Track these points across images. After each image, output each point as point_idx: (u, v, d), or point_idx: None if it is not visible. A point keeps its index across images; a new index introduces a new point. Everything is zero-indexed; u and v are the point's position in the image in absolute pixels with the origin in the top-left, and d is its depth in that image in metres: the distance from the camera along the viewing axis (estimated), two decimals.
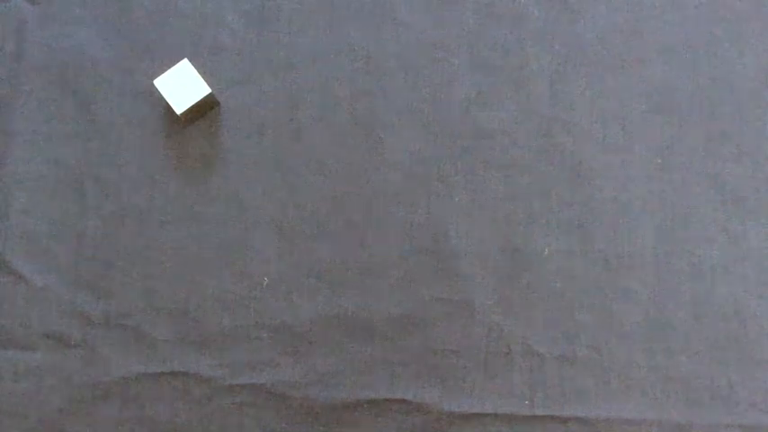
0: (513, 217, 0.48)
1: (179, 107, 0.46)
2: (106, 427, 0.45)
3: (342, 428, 0.45)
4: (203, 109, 0.47)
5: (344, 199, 0.47)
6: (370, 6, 0.49)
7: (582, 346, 0.47)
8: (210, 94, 0.46)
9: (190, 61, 0.46)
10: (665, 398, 0.46)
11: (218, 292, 0.46)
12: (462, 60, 0.49)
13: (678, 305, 0.47)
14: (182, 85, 0.46)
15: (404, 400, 0.45)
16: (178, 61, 0.46)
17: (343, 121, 0.48)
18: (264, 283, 0.46)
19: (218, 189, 0.47)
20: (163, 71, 0.46)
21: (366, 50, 0.49)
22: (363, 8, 0.49)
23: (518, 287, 0.47)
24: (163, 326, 0.46)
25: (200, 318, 0.46)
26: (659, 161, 0.48)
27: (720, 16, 0.49)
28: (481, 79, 0.49)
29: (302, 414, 0.45)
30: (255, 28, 0.49)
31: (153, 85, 0.46)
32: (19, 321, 0.46)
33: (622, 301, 0.47)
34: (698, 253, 0.47)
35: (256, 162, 0.45)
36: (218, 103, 0.48)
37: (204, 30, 0.49)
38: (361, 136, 0.48)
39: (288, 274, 0.46)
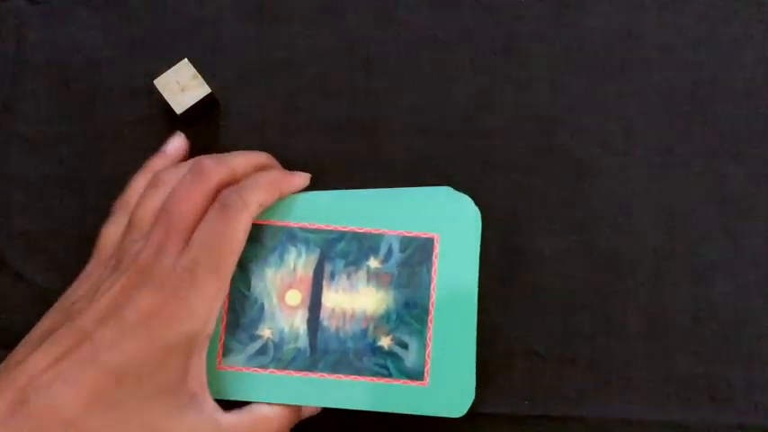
0: (513, 217, 0.48)
1: (179, 107, 0.46)
2: None
3: (341, 428, 0.45)
4: (203, 109, 0.47)
5: None
6: (370, 6, 0.49)
7: (582, 346, 0.47)
8: (210, 94, 0.46)
9: (190, 61, 0.46)
10: (665, 398, 0.46)
11: None
12: (462, 60, 0.49)
13: (678, 305, 0.47)
14: (182, 85, 0.46)
15: None
16: (178, 61, 0.46)
17: (343, 121, 0.48)
18: None
19: None
20: (163, 71, 0.46)
21: (366, 50, 0.49)
22: (363, 8, 0.49)
23: (518, 287, 0.47)
24: None
25: None
26: (659, 161, 0.48)
27: (720, 16, 0.49)
28: (481, 79, 0.49)
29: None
30: (255, 28, 0.49)
31: (153, 85, 0.46)
32: (19, 321, 0.46)
33: (622, 301, 0.47)
34: (698, 253, 0.47)
35: None
36: (218, 103, 0.48)
37: (204, 30, 0.49)
38: (361, 136, 0.48)
39: None
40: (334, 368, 0.42)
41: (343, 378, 0.42)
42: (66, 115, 0.48)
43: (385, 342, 0.42)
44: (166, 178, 0.42)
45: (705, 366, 0.46)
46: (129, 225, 0.42)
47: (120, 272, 0.39)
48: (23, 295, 0.47)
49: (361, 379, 0.42)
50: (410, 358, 0.42)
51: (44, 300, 0.47)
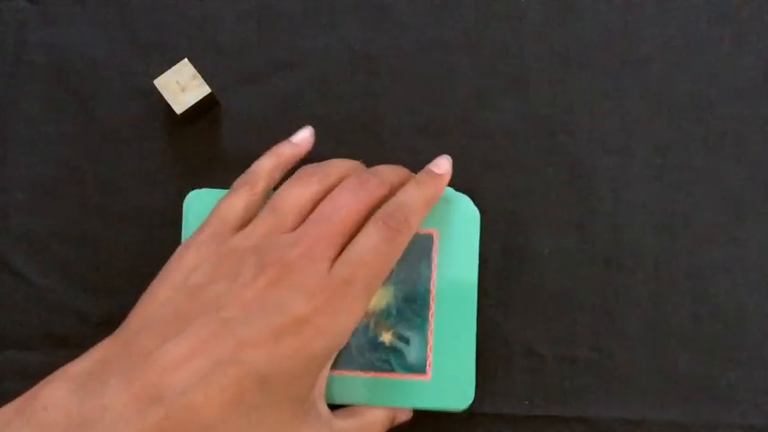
0: (513, 217, 0.48)
1: (179, 107, 0.46)
2: None
3: None
4: (203, 109, 0.47)
5: None
6: (370, 6, 0.49)
7: (582, 346, 0.47)
8: (210, 94, 0.46)
9: (190, 61, 0.46)
10: (665, 398, 0.46)
11: None
12: (462, 60, 0.49)
13: (678, 305, 0.47)
14: (182, 85, 0.46)
15: None
16: (178, 61, 0.46)
17: (343, 121, 0.48)
18: None
19: None
20: (163, 71, 0.46)
21: (366, 50, 0.49)
22: (363, 8, 0.49)
23: (518, 287, 0.47)
24: None
25: None
26: (659, 161, 0.48)
27: (720, 16, 0.49)
28: (481, 79, 0.49)
29: None
30: (255, 28, 0.49)
31: (153, 85, 0.46)
32: (19, 321, 0.46)
33: (622, 301, 0.47)
34: (698, 253, 0.47)
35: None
36: (218, 103, 0.48)
37: (204, 30, 0.49)
38: (361, 136, 0.48)
39: None
40: (337, 364, 0.42)
41: (345, 374, 0.42)
42: (66, 115, 0.48)
43: (386, 337, 0.42)
44: (316, 175, 0.41)
45: (705, 366, 0.46)
46: (271, 210, 0.39)
47: (265, 263, 0.36)
48: (23, 295, 0.47)
49: (363, 374, 0.42)
50: (412, 352, 0.42)
51: (44, 300, 0.47)
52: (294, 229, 0.39)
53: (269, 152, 0.44)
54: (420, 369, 0.42)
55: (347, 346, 0.42)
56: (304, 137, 0.45)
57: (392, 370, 0.42)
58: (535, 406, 0.46)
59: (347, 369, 0.42)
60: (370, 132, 0.48)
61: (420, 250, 0.43)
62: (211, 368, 0.33)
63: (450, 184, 0.46)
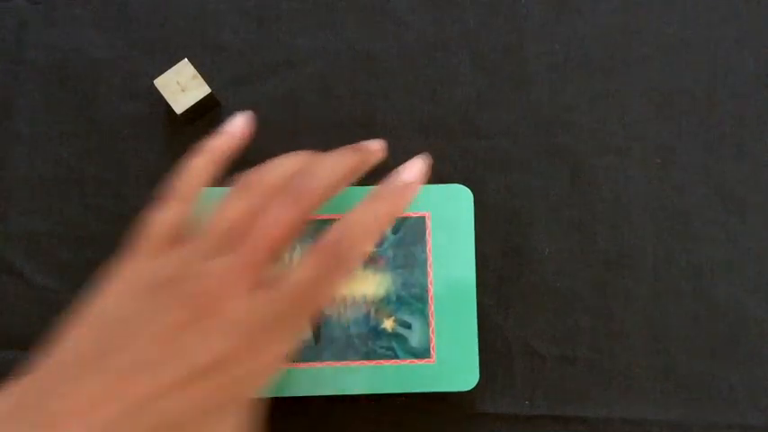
0: (513, 217, 0.48)
1: (179, 107, 0.46)
2: None
3: (342, 428, 0.45)
4: (203, 109, 0.47)
5: None
6: (370, 6, 0.49)
7: (582, 346, 0.47)
8: (210, 94, 0.46)
9: (190, 61, 0.46)
10: (665, 398, 0.46)
11: None
12: (462, 60, 0.49)
13: (678, 305, 0.47)
14: (182, 85, 0.46)
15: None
16: (178, 61, 0.46)
17: (344, 121, 0.48)
18: None
19: None
20: (163, 71, 0.46)
21: (366, 50, 0.49)
22: (363, 8, 0.49)
23: (518, 287, 0.47)
24: None
25: None
26: (659, 161, 0.48)
27: (720, 16, 0.49)
28: (481, 79, 0.49)
29: (302, 413, 0.45)
30: (255, 28, 0.49)
31: (153, 85, 0.46)
32: (19, 321, 0.46)
33: (622, 301, 0.47)
34: (698, 253, 0.47)
35: (256, 162, 0.45)
36: (218, 103, 0.48)
37: (204, 30, 0.49)
38: (361, 136, 0.48)
39: None
40: (341, 355, 0.42)
41: (351, 364, 0.42)
42: (67, 115, 0.48)
43: (388, 324, 0.43)
44: (248, 186, 0.37)
45: (705, 366, 0.46)
46: (208, 234, 0.36)
47: (179, 300, 0.33)
48: (23, 295, 0.47)
49: (368, 363, 0.42)
50: (414, 337, 0.43)
51: (44, 300, 0.47)
52: (222, 250, 0.35)
53: (201, 151, 0.40)
54: (424, 353, 0.43)
55: (349, 337, 0.42)
56: (237, 125, 0.42)
57: (396, 357, 0.42)
58: (535, 406, 0.46)
59: (352, 359, 0.42)
60: (370, 132, 0.48)
61: (414, 234, 0.43)
62: (118, 418, 0.31)
63: (450, 183, 0.46)
